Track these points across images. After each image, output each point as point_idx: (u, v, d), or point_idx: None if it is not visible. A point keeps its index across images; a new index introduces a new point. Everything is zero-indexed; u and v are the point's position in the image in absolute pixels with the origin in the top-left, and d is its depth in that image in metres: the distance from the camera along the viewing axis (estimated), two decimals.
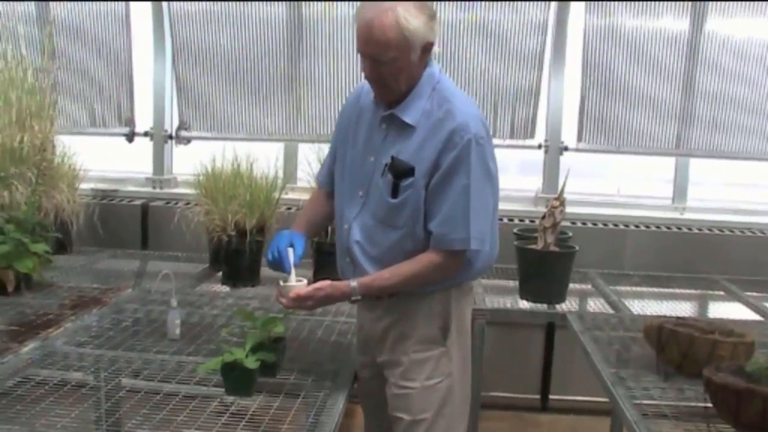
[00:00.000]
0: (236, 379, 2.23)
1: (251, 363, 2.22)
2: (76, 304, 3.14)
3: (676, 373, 2.52)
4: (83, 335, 2.77)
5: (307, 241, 2.54)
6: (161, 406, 2.24)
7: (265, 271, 3.87)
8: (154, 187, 4.78)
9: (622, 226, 4.48)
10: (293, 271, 2.41)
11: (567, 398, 4.47)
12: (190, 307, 3.16)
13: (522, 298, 3.57)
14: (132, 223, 4.53)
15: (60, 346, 2.63)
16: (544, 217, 3.58)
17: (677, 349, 2.49)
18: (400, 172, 2.30)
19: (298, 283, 2.38)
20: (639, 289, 4.02)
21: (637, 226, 4.48)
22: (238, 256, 3.62)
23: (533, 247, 3.52)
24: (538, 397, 4.51)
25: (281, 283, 2.39)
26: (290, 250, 2.44)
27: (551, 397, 4.51)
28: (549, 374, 4.48)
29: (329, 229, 3.47)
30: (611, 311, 3.49)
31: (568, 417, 4.44)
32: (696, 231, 4.48)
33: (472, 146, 2.25)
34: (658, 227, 4.51)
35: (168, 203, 4.54)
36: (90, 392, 2.39)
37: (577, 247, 3.54)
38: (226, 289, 3.63)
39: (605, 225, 4.48)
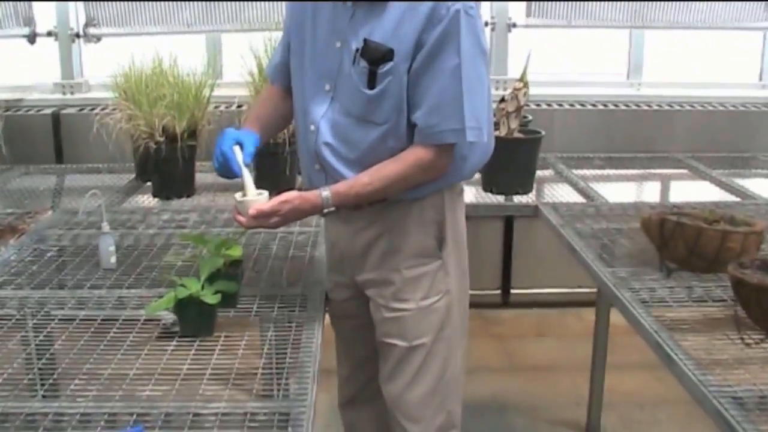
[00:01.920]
0: (194, 317, 1.89)
1: (210, 297, 1.87)
2: None
3: (678, 268, 2.28)
4: (0, 273, 2.37)
5: (260, 140, 2.16)
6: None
7: (201, 179, 3.52)
8: (64, 93, 4.27)
9: (578, 106, 4.20)
10: (251, 180, 2.01)
11: (529, 292, 4.29)
12: (122, 228, 2.78)
13: (486, 189, 3.27)
14: (43, 135, 4.05)
15: None
16: (502, 101, 3.26)
17: (683, 244, 2.23)
18: (375, 57, 1.92)
19: (257, 197, 1.99)
20: (603, 172, 3.76)
21: (594, 105, 4.21)
22: (170, 165, 3.20)
23: (496, 134, 3.19)
24: (498, 292, 4.31)
25: (237, 197, 2.00)
26: (237, 149, 2.04)
27: (513, 291, 4.30)
28: (509, 268, 4.26)
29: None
30: (582, 199, 3.23)
31: (531, 311, 4.27)
32: (655, 108, 4.23)
33: (462, 18, 1.86)
34: (615, 105, 4.24)
35: (82, 110, 4.07)
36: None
37: (543, 132, 3.24)
38: (158, 202, 3.24)
39: (560, 105, 4.19)
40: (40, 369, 1.89)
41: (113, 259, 2.40)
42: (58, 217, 2.92)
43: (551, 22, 4.23)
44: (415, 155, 1.97)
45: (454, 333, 2.17)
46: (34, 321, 2.10)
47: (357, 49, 1.94)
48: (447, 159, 2.00)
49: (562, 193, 3.35)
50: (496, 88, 4.17)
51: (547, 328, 4.14)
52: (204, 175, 3.57)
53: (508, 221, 4.18)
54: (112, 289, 2.24)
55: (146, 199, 3.29)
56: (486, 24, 4.22)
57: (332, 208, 1.99)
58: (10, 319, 2.07)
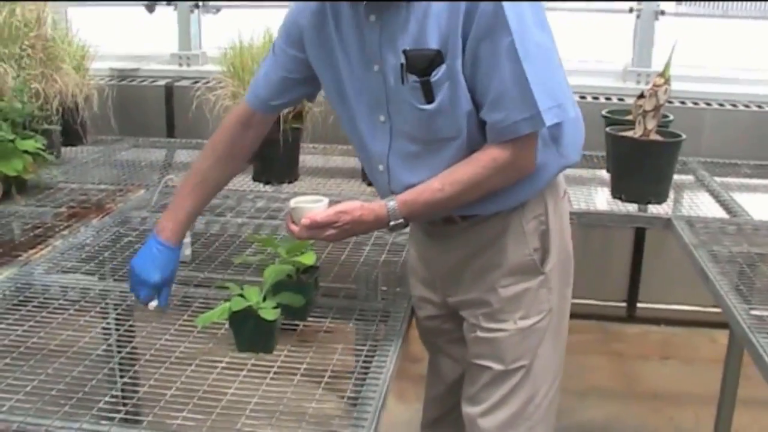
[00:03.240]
0: (250, 333, 1.67)
1: (268, 312, 1.64)
2: (74, 212, 2.60)
3: None
4: (72, 258, 2.22)
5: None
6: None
7: (308, 161, 3.33)
8: (180, 65, 4.15)
9: (728, 106, 3.75)
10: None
11: (657, 307, 3.89)
12: (210, 214, 2.60)
13: (615, 196, 2.92)
14: (155, 107, 3.95)
15: (38, 276, 2.09)
16: (641, 96, 2.90)
17: None
18: (424, 65, 1.62)
19: (314, 205, 1.72)
20: (750, 181, 3.33)
21: (747, 106, 3.75)
22: (271, 147, 3.00)
23: (630, 134, 2.85)
24: (624, 305, 3.92)
25: (291, 204, 1.75)
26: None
27: (639, 305, 3.92)
28: (637, 279, 3.88)
29: None
30: (724, 214, 2.84)
31: (658, 328, 3.87)
32: None
33: None
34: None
35: (196, 83, 3.93)
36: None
37: (684, 135, 2.86)
38: (258, 187, 3.05)
39: (708, 104, 3.76)
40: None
41: (188, 251, 2.21)
42: (149, 196, 2.76)
43: (704, 10, 3.81)
44: (489, 155, 1.66)
45: (549, 351, 1.88)
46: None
47: (401, 65, 1.65)
48: (529, 153, 1.69)
49: (701, 205, 2.95)
50: (638, 82, 3.78)
51: (674, 349, 3.75)
52: (311, 158, 3.39)
53: (640, 228, 3.80)
54: (181, 285, 2.05)
55: (246, 183, 3.11)
56: (630, 10, 3.85)
57: (400, 221, 1.71)
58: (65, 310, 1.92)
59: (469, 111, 1.65)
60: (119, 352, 1.85)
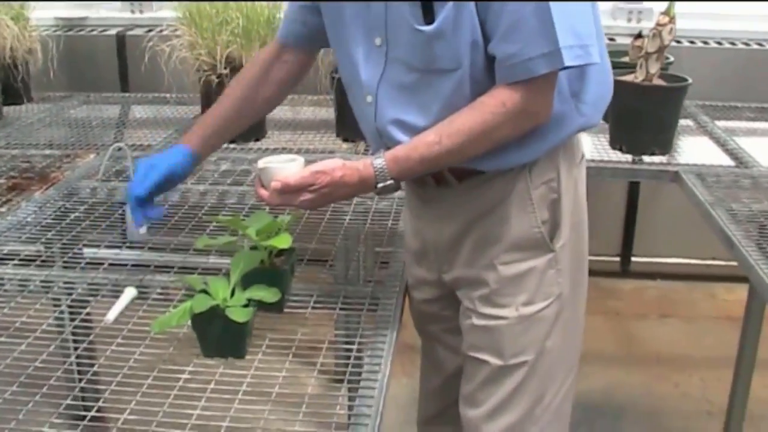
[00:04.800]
0: (217, 336, 1.40)
1: (238, 312, 1.37)
2: (14, 184, 2.30)
3: None
4: (10, 240, 1.93)
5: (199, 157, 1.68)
6: None
7: (276, 114, 3.03)
8: (132, 12, 3.81)
9: (726, 44, 3.51)
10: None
11: (653, 260, 3.69)
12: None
13: (614, 147, 2.66)
14: (107, 59, 3.61)
15: None
16: (638, 36, 2.65)
17: None
18: None
19: (285, 165, 1.44)
20: (755, 125, 3.08)
21: (746, 44, 3.51)
22: None
23: (630, 79, 2.58)
24: (617, 259, 3.72)
25: (260, 164, 1.47)
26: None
27: (634, 259, 3.71)
28: (632, 232, 3.66)
29: None
30: (731, 162, 2.60)
31: (654, 283, 3.67)
32: None
33: None
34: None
35: (150, 31, 3.60)
36: None
37: (690, 80, 2.60)
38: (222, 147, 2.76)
39: (705, 43, 3.51)
40: None
41: (144, 229, 1.93)
42: (99, 162, 2.46)
43: None
44: (497, 98, 1.38)
45: (559, 344, 1.61)
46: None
47: None
48: (544, 100, 1.41)
49: (705, 152, 2.70)
50: (629, 20, 3.51)
51: (672, 305, 3.55)
52: (278, 111, 3.07)
53: None
54: (133, 273, 1.78)
55: None
56: None
57: (390, 182, 1.43)
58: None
59: (474, 41, 1.38)
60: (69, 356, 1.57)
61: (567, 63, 1.33)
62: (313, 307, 1.64)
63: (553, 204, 1.55)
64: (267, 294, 1.45)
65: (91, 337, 1.66)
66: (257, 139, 2.80)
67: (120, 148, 2.17)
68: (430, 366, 1.90)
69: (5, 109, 3.03)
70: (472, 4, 1.34)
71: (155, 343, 1.46)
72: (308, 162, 1.45)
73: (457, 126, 1.40)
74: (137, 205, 1.57)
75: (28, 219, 2.05)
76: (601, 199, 3.61)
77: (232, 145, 2.71)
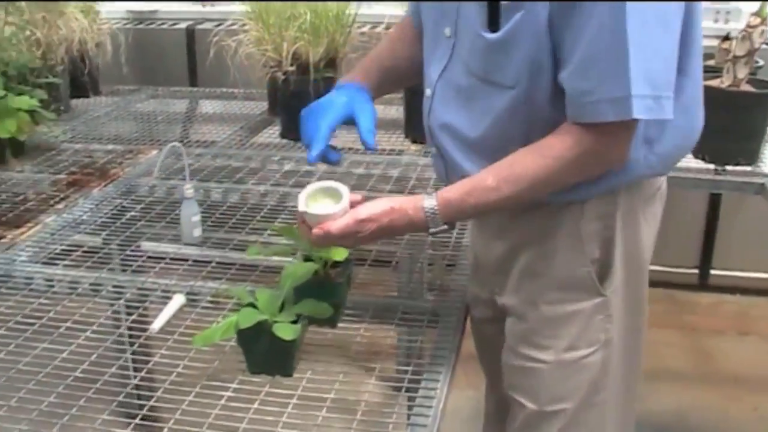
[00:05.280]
0: (264, 352, 1.32)
1: (285, 330, 1.29)
2: (74, 179, 2.27)
3: None
4: (63, 239, 1.89)
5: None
6: None
7: None
8: (203, 5, 3.78)
9: None
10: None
11: (732, 274, 3.53)
12: (228, 181, 2.27)
13: (696, 156, 2.52)
14: (176, 53, 3.59)
15: (20, 265, 1.75)
16: (726, 38, 2.50)
17: None
18: None
19: (329, 209, 1.33)
20: None
21: None
22: (300, 99, 2.62)
23: (715, 84, 2.44)
24: (696, 272, 3.56)
25: (300, 202, 1.35)
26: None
27: (713, 272, 3.55)
28: (711, 244, 3.50)
29: None
30: None
31: (733, 298, 3.51)
32: None
33: None
34: None
35: (219, 25, 3.57)
36: None
37: None
38: (287, 145, 2.69)
39: None
40: None
41: (197, 232, 1.87)
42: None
43: None
44: (565, 141, 1.25)
45: (612, 396, 1.49)
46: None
47: None
48: (618, 147, 1.28)
49: None
50: (716, 20, 3.34)
51: (752, 322, 3.39)
52: None
53: None
54: (185, 278, 1.71)
55: (274, 139, 2.74)
56: None
57: (442, 226, 1.33)
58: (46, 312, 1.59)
59: (538, 62, 1.25)
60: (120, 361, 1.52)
61: (635, 115, 1.20)
62: (369, 323, 1.55)
63: (606, 242, 1.40)
64: (319, 309, 1.37)
65: (141, 339, 1.60)
66: None
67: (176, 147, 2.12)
68: (488, 389, 1.80)
69: (73, 102, 3.01)
70: (545, 22, 1.22)
71: (199, 356, 1.39)
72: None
73: (518, 172, 1.29)
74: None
75: (84, 217, 2.01)
76: (680, 207, 3.46)
77: (298, 144, 2.64)
